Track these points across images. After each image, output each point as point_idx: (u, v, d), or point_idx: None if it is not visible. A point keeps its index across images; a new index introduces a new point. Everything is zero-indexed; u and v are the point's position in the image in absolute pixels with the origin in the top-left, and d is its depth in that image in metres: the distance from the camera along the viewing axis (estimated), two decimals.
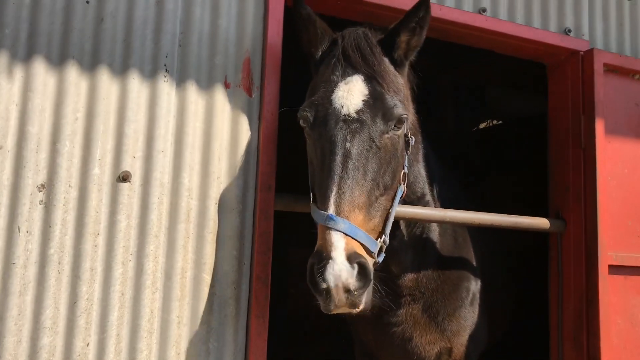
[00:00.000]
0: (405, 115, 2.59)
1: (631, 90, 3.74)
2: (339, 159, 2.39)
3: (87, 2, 2.62)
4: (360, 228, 2.31)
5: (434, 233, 3.35)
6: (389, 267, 3.13)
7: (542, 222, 3.53)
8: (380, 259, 2.49)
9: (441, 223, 3.34)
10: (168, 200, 2.65)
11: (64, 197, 2.49)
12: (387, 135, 2.54)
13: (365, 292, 2.26)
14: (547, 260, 3.76)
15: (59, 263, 2.47)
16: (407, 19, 2.71)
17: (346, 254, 2.21)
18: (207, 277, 2.67)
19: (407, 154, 2.72)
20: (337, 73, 2.59)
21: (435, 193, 3.35)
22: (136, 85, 2.65)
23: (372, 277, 2.29)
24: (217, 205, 2.72)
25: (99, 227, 2.54)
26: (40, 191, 2.47)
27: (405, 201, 3.07)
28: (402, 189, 2.68)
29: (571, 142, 3.62)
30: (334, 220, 2.25)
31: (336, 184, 2.34)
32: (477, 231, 3.68)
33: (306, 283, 2.27)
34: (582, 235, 3.49)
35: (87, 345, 2.47)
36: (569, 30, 3.65)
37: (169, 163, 2.67)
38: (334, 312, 2.27)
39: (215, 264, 2.69)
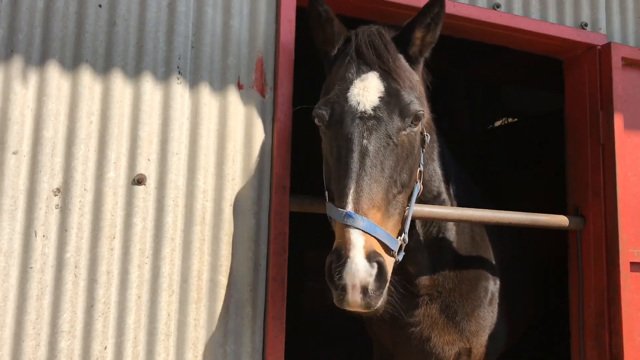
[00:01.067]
0: (421, 112, 2.55)
1: None
2: (356, 156, 2.36)
3: (100, 6, 2.62)
4: (379, 225, 2.28)
5: (451, 232, 3.31)
6: (406, 267, 3.10)
7: (560, 220, 3.47)
8: (400, 257, 2.46)
9: (458, 222, 3.30)
10: (183, 202, 2.65)
11: (80, 201, 2.50)
12: (404, 132, 2.51)
13: (382, 294, 2.23)
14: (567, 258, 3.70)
15: (76, 267, 2.47)
16: (422, 15, 2.68)
17: (365, 253, 2.18)
18: (223, 279, 2.66)
19: (422, 151, 2.69)
20: (352, 70, 2.57)
21: (451, 192, 3.31)
22: (149, 87, 2.64)
23: (388, 278, 2.26)
24: (232, 207, 2.71)
25: (114, 230, 2.53)
26: (56, 195, 2.47)
27: (421, 200, 3.03)
28: (418, 187, 2.65)
29: (589, 138, 3.56)
30: (352, 217, 2.22)
31: (354, 181, 2.31)
32: (496, 230, 3.63)
33: (324, 279, 2.25)
34: (602, 232, 3.42)
35: (105, 348, 2.47)
36: (586, 25, 3.59)
37: (184, 165, 2.66)
38: (347, 309, 2.25)
39: (231, 266, 2.68)
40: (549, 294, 4.50)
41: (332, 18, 2.74)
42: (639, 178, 3.53)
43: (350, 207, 2.25)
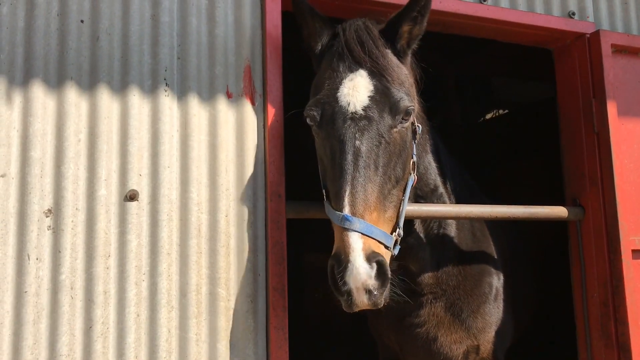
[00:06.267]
0: (412, 107, 2.55)
1: None
2: (349, 157, 2.37)
3: (82, 21, 2.57)
4: (375, 225, 2.31)
5: (451, 228, 3.29)
6: (408, 266, 3.08)
7: (559, 211, 3.44)
8: (396, 251, 2.49)
9: (457, 219, 3.27)
10: (177, 216, 2.60)
11: (72, 221, 2.45)
12: (395, 130, 2.51)
13: (386, 292, 2.29)
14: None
15: (72, 288, 2.42)
16: (408, 8, 2.68)
17: (364, 255, 2.22)
18: (222, 292, 2.62)
19: (415, 143, 2.68)
20: (340, 69, 2.56)
21: (448, 186, 3.29)
22: (137, 101, 2.60)
23: (389, 274, 2.30)
24: (227, 217, 2.66)
25: (109, 248, 2.49)
26: (47, 216, 2.42)
27: (418, 194, 3.01)
28: (412, 178, 2.66)
29: (584, 127, 3.54)
30: (349, 220, 2.25)
31: (349, 183, 2.33)
32: (497, 223, 3.60)
33: (328, 284, 2.29)
34: (602, 221, 3.40)
35: None
36: (573, 14, 3.57)
37: (176, 178, 2.62)
38: (356, 310, 2.30)
39: (230, 278, 2.64)
40: (554, 283, 4.47)
41: (315, 13, 2.74)
42: (636, 165, 3.51)
43: (346, 210, 2.28)
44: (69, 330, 2.39)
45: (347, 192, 2.31)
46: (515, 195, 4.06)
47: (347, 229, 2.24)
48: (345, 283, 2.18)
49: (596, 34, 3.51)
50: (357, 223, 2.25)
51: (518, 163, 6.39)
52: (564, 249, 3.72)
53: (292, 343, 2.72)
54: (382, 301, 2.27)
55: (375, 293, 2.21)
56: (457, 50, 5.87)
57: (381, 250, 2.30)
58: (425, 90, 2.99)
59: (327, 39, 2.74)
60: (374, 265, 2.22)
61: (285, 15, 2.90)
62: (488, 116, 8.46)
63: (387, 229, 2.43)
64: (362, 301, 2.21)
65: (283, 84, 2.83)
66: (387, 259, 2.34)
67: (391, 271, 2.44)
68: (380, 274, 2.23)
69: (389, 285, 2.30)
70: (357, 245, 2.22)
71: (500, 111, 8.43)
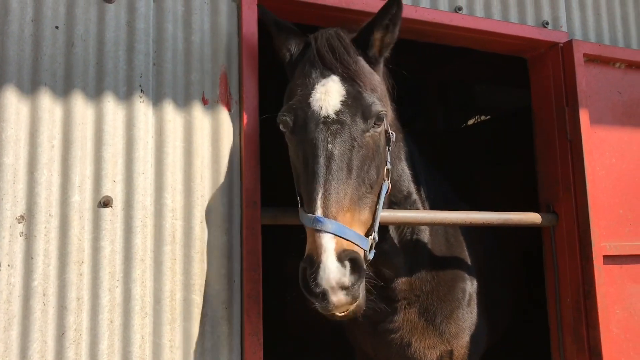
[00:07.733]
0: (384, 112, 2.57)
1: (613, 78, 3.73)
2: (322, 160, 2.36)
3: (57, 27, 2.57)
4: (348, 227, 2.28)
5: (425, 234, 3.32)
6: (382, 272, 3.10)
7: (533, 217, 3.50)
8: (371, 256, 2.45)
9: (432, 225, 3.30)
10: (152, 222, 2.61)
11: (45, 227, 2.44)
12: (368, 134, 2.52)
13: (362, 285, 2.25)
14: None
15: (44, 295, 2.41)
16: (379, 16, 2.70)
17: (336, 254, 2.18)
18: (197, 298, 2.62)
19: (389, 150, 2.70)
20: (313, 75, 2.58)
21: (422, 193, 3.32)
22: (112, 107, 2.60)
23: (365, 267, 2.28)
24: (202, 224, 2.67)
25: (82, 255, 2.48)
26: (20, 222, 2.42)
27: (391, 201, 3.04)
28: (387, 185, 2.66)
29: (557, 135, 3.60)
30: (321, 222, 2.22)
31: (321, 186, 2.31)
32: (473, 229, 3.64)
33: (300, 288, 2.25)
34: (575, 227, 3.46)
35: None
36: (547, 23, 3.64)
37: (151, 184, 2.62)
38: (334, 313, 2.26)
39: (204, 284, 2.65)
40: (529, 289, 4.52)
41: (280, 24, 2.78)
42: (608, 172, 3.57)
43: (319, 212, 2.26)
44: (40, 337, 2.38)
45: (320, 195, 2.29)
46: (497, 202, 4.10)
47: (319, 231, 2.21)
48: (317, 285, 2.14)
49: (569, 44, 3.58)
50: (329, 224, 2.22)
51: (500, 169, 6.45)
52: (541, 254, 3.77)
53: (273, 350, 2.73)
54: (358, 295, 2.22)
55: (350, 289, 2.17)
56: (439, 57, 5.93)
57: (354, 247, 2.26)
58: (407, 97, 3.02)
59: (298, 49, 2.76)
60: (347, 263, 2.18)
61: (263, 22, 2.92)
62: (470, 122, 8.54)
63: (361, 231, 2.39)
64: (339, 300, 2.16)
65: (260, 90, 2.85)
66: (361, 256, 2.29)
67: (366, 277, 2.45)
68: (354, 269, 2.20)
69: (364, 279, 2.27)
70: (329, 246, 2.18)
71: (482, 117, 8.52)
